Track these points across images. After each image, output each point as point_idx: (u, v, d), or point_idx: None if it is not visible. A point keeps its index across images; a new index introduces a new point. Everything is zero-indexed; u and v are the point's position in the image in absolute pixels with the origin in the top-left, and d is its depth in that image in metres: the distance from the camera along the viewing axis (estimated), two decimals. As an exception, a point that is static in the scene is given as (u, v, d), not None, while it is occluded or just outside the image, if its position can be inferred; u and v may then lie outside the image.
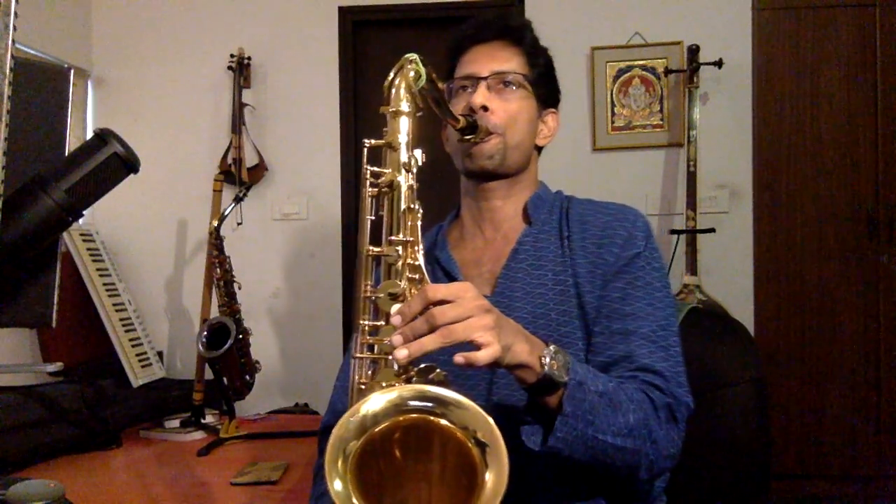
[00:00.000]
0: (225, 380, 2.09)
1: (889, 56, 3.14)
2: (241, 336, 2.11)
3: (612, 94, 3.23)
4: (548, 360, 0.85)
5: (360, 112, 3.35)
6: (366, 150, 0.91)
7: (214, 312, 2.18)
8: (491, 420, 0.71)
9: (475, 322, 0.77)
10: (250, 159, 3.26)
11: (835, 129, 3.18)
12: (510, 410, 0.97)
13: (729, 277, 3.16)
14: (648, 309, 1.03)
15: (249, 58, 3.27)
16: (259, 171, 3.27)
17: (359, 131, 3.35)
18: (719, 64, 3.08)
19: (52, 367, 1.30)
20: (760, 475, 1.30)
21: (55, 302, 1.03)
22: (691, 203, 2.99)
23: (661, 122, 3.23)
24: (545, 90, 1.19)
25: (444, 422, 0.72)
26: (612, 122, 3.24)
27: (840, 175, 3.18)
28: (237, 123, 3.22)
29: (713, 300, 2.92)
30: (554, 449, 0.88)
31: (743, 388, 1.32)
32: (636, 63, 3.22)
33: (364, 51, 3.38)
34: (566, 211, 1.15)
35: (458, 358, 0.77)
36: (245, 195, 2.32)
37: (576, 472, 0.96)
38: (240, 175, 3.18)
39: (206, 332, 2.07)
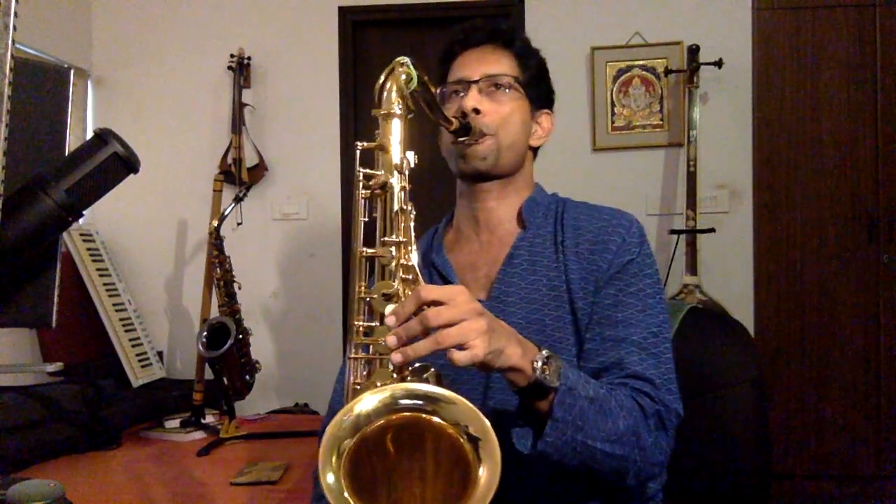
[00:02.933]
0: (225, 380, 2.09)
1: (889, 56, 3.14)
2: (241, 336, 2.11)
3: (611, 94, 3.23)
4: (539, 364, 0.85)
5: (360, 112, 3.35)
6: (358, 152, 0.91)
7: (214, 312, 2.18)
8: (481, 414, 0.72)
9: (469, 325, 0.77)
10: (250, 159, 3.26)
11: (835, 129, 3.18)
12: (505, 414, 0.97)
13: (729, 277, 3.16)
14: (640, 316, 1.04)
15: (249, 58, 3.27)
16: (259, 171, 3.27)
17: (359, 131, 3.35)
18: (719, 64, 3.08)
19: (52, 367, 1.30)
20: (760, 475, 1.30)
21: (55, 302, 1.03)
22: (691, 203, 2.99)
23: (661, 122, 3.23)
24: (538, 91, 1.19)
25: (435, 419, 0.72)
26: (612, 122, 3.24)
27: (840, 175, 3.18)
28: (237, 123, 3.22)
29: (713, 300, 2.92)
30: (543, 453, 0.88)
31: (743, 388, 1.32)
32: (636, 63, 3.22)
33: (364, 51, 3.38)
34: (560, 215, 1.15)
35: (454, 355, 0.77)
36: (245, 195, 2.32)
37: (571, 475, 0.96)
38: (240, 175, 3.18)
39: (206, 332, 2.07)
